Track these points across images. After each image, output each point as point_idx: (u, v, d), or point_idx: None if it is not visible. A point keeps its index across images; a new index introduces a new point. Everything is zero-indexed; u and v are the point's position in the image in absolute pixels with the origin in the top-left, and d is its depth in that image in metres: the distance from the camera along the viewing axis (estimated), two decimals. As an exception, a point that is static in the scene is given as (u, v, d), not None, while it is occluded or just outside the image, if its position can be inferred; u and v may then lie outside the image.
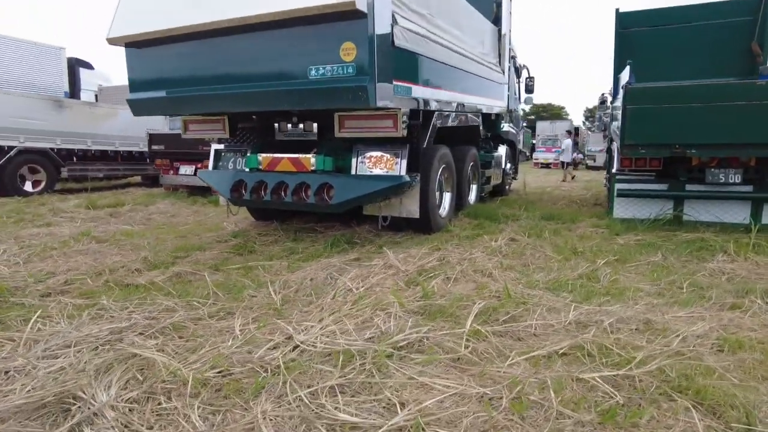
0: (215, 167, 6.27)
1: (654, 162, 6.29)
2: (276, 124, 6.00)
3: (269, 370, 2.31)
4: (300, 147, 5.77)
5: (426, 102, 5.43)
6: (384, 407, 2.03)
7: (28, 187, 10.09)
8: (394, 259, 4.33)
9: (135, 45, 5.14)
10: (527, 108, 14.71)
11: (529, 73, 11.91)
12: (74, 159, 10.97)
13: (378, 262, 4.41)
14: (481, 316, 3.01)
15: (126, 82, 5.48)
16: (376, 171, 5.32)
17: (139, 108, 5.43)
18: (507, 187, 11.40)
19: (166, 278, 4.10)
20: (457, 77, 6.49)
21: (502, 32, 9.07)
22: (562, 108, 60.32)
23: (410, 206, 5.61)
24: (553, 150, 27.50)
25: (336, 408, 1.99)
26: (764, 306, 3.28)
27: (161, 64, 5.13)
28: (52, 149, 10.37)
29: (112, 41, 5.16)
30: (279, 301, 3.46)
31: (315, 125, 5.73)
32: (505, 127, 10.47)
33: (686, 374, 2.27)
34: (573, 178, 17.81)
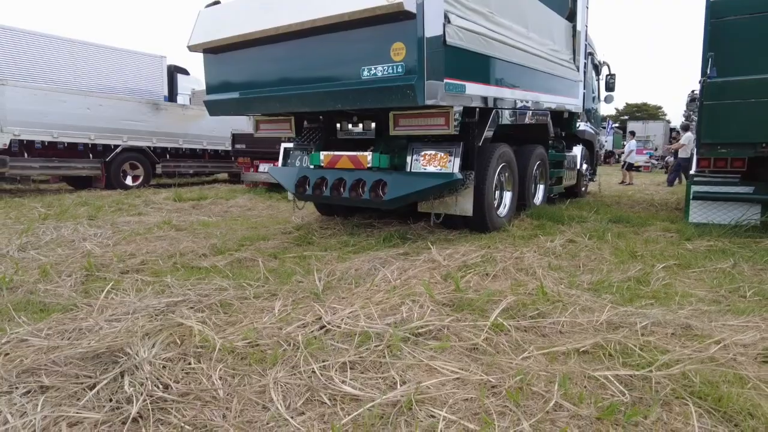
0: (284, 164, 6.68)
1: (737, 162, 5.78)
2: (338, 124, 6.29)
3: (292, 344, 2.51)
4: (359, 145, 6.00)
5: (482, 99, 5.42)
6: (387, 384, 2.14)
7: (128, 181, 11.31)
8: (437, 254, 4.40)
9: (211, 51, 5.64)
10: (608, 106, 13.88)
11: (609, 70, 11.32)
12: (167, 156, 12.11)
13: (423, 257, 4.50)
14: (509, 311, 3.01)
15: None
16: (430, 168, 5.40)
17: (214, 108, 5.94)
18: (583, 188, 10.92)
19: (227, 263, 4.48)
20: (520, 75, 6.37)
21: (578, 28, 8.72)
22: (659, 108, 56.09)
23: (464, 204, 5.63)
24: (645, 152, 25.76)
25: (342, 381, 2.13)
26: (837, 320, 2.96)
27: (233, 68, 5.59)
28: (149, 147, 11.53)
29: (192, 48, 5.71)
30: (321, 287, 3.66)
31: (373, 124, 5.93)
32: (581, 126, 10.02)
33: (711, 381, 2.15)
34: (628, 183, 16.37)
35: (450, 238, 5.64)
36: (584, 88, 9.51)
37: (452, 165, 5.28)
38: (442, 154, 5.36)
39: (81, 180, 11.07)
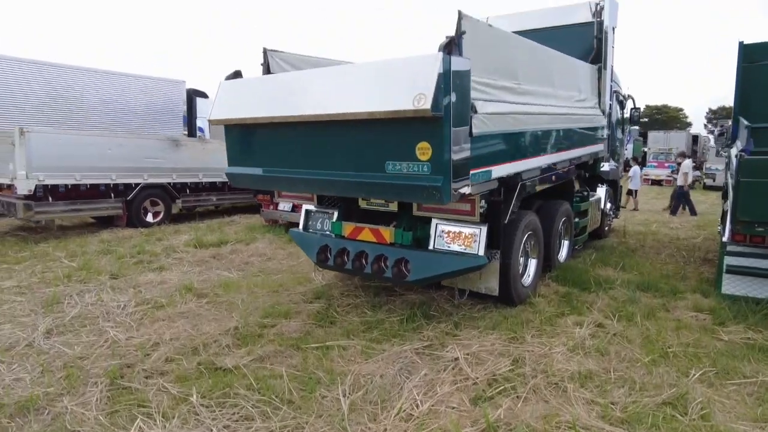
0: (305, 227, 6.61)
1: (775, 239, 5.56)
2: (360, 193, 6.19)
3: None
4: (382, 217, 5.92)
5: (508, 178, 5.30)
6: None
7: (149, 218, 11.38)
8: (463, 361, 4.30)
9: (232, 127, 5.59)
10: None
11: (634, 104, 11.07)
12: (187, 191, 12.16)
13: (448, 355, 4.44)
14: (544, 468, 2.91)
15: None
16: (454, 247, 5.30)
17: (235, 180, 5.90)
18: (606, 228, 10.69)
19: (250, 360, 4.44)
20: (546, 139, 6.22)
21: (605, 68, 8.48)
22: (680, 110, 54.90)
23: (489, 282, 5.54)
24: (667, 165, 25.20)
25: None
26: None
27: (255, 145, 5.52)
28: (169, 183, 11.59)
29: (213, 122, 5.68)
30: (346, 409, 3.60)
31: (396, 199, 5.83)
32: (605, 166, 9.81)
33: None
34: (633, 208, 16.42)
35: (475, 315, 5.55)
36: (608, 129, 9.28)
37: (477, 246, 5.17)
38: (467, 234, 5.25)
39: (103, 217, 11.20)
